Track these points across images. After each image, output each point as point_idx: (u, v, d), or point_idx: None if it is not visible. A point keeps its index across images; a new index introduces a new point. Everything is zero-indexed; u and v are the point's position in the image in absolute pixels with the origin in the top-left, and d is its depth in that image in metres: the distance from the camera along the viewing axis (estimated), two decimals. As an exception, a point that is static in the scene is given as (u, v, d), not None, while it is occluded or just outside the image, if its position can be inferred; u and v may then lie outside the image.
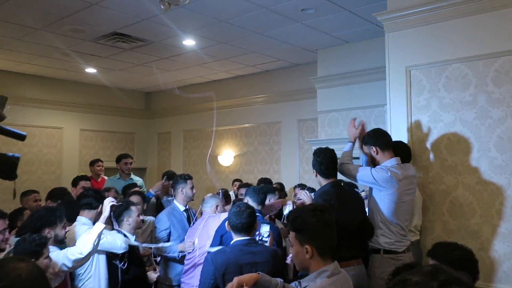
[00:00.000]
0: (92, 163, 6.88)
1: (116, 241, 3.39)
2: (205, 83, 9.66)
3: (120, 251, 3.42)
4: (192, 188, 4.35)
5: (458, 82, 3.63)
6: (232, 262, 2.72)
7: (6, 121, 1.21)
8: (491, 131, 3.46)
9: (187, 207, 4.38)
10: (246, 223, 2.85)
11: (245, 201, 3.71)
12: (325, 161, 3.29)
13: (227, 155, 9.21)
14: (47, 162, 9.18)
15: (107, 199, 3.38)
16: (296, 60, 7.76)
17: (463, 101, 3.59)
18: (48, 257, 2.75)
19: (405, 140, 3.79)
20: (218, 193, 4.66)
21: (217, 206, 4.07)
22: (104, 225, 3.15)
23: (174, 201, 4.36)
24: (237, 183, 7.81)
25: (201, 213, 4.19)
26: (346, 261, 2.89)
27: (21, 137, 1.40)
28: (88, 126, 9.89)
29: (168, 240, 4.09)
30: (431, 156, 3.74)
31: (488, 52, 3.48)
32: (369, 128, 3.59)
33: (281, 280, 2.32)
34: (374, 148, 3.27)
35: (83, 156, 9.67)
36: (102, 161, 6.93)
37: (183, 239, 4.06)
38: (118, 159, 6.29)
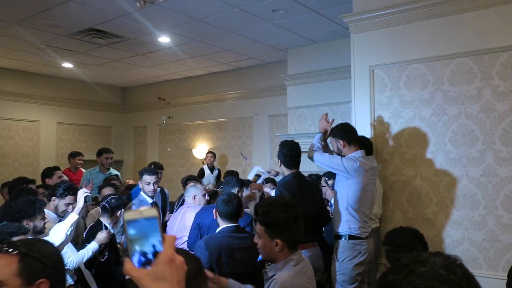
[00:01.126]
0: (74, 155, 6.65)
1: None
2: (180, 79, 9.56)
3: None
4: (148, 184, 4.08)
5: (417, 81, 3.71)
6: (224, 246, 2.73)
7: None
8: (446, 127, 3.56)
9: (154, 199, 4.22)
10: (236, 210, 2.87)
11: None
12: (290, 153, 3.40)
13: (201, 149, 9.16)
14: (24, 155, 8.92)
15: (80, 190, 3.29)
16: (268, 58, 7.77)
17: (422, 99, 3.68)
18: None
19: (369, 135, 3.85)
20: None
21: (194, 196, 4.00)
22: (77, 216, 3.08)
23: (141, 192, 4.19)
24: (209, 155, 7.90)
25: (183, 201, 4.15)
26: (303, 243, 2.96)
27: None
28: (65, 119, 9.65)
29: None
30: (392, 149, 3.82)
31: (444, 54, 3.57)
32: (335, 123, 3.63)
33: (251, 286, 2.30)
34: (341, 142, 3.32)
35: (60, 149, 9.44)
36: (83, 155, 6.74)
37: None
38: (99, 153, 6.10)
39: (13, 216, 2.97)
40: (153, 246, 0.83)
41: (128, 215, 0.83)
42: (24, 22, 5.77)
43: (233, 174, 6.08)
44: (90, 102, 10.08)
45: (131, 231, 0.82)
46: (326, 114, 3.66)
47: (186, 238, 3.72)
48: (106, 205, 3.57)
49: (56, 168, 5.41)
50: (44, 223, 3.08)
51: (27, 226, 2.95)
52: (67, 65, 8.22)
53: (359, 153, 3.28)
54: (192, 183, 4.29)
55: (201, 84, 9.27)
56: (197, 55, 7.53)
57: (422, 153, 3.66)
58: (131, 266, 0.83)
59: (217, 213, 2.91)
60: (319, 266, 3.22)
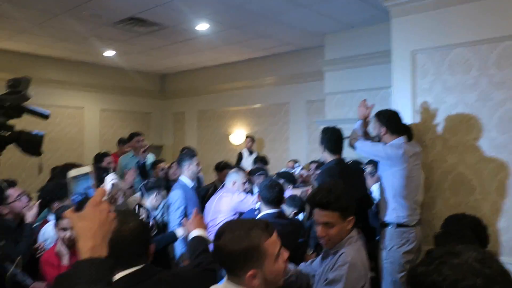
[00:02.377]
0: (124, 142, 6.68)
1: None
2: (217, 66, 9.63)
3: None
4: (198, 164, 4.28)
5: (461, 65, 3.60)
6: None
7: (30, 102, 1.29)
8: (492, 112, 3.45)
9: (194, 183, 4.31)
10: (277, 196, 2.94)
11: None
12: (333, 137, 3.37)
13: (238, 134, 9.24)
14: (70, 140, 9.29)
15: (108, 176, 3.33)
16: (305, 44, 7.69)
17: (466, 84, 3.57)
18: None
19: (409, 121, 3.78)
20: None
21: (234, 182, 4.06)
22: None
23: (182, 177, 4.24)
24: (247, 139, 8.13)
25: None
26: None
27: (45, 116, 1.44)
28: (108, 106, 9.97)
29: (186, 216, 4.08)
30: (434, 136, 3.74)
31: (491, 37, 3.44)
32: (374, 110, 3.59)
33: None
34: (383, 129, 3.28)
35: (103, 135, 9.79)
36: None
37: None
38: (130, 138, 6.16)
39: (43, 198, 3.08)
40: (86, 188, 1.15)
41: (71, 173, 1.16)
42: (70, 13, 5.96)
43: (261, 160, 6.18)
44: (131, 89, 10.35)
45: (73, 179, 1.15)
46: (365, 100, 3.61)
47: (219, 221, 3.80)
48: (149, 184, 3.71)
49: (106, 154, 5.57)
50: None
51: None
52: (109, 53, 8.45)
53: (401, 139, 3.24)
54: (235, 169, 4.35)
55: (237, 71, 9.31)
56: (234, 42, 7.55)
57: (465, 140, 3.57)
58: (69, 211, 1.07)
59: (260, 198, 2.97)
60: None
